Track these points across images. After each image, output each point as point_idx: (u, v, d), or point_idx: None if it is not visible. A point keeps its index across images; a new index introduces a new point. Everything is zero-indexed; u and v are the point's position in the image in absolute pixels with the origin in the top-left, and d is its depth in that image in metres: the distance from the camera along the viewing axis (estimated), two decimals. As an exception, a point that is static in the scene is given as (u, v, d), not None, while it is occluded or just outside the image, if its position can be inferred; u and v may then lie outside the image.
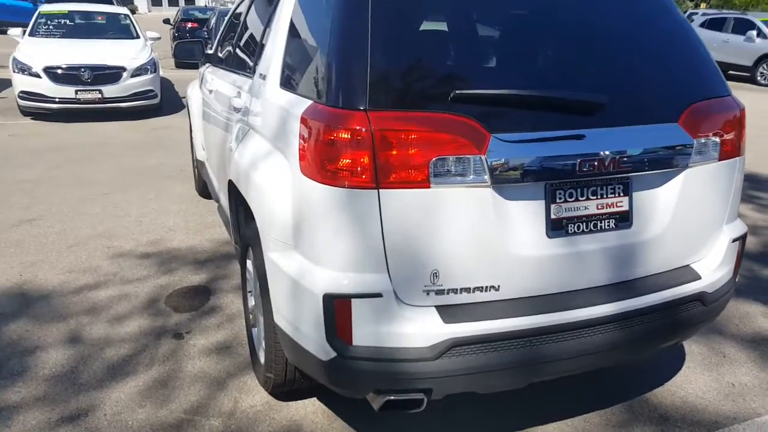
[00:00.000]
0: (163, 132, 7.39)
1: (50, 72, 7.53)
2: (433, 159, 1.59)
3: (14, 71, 7.63)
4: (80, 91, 7.60)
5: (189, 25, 14.44)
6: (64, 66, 7.57)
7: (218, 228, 4.21)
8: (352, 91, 1.62)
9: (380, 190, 1.59)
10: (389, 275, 1.64)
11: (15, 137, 6.94)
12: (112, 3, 16.10)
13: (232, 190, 2.51)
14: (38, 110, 7.67)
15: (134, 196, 4.92)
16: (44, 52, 7.81)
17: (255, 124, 2.22)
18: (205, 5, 16.05)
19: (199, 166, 4.53)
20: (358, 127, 1.58)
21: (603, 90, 1.77)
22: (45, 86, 7.51)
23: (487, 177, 1.62)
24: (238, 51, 2.98)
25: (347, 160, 1.59)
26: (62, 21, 8.95)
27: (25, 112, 7.86)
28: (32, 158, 6.05)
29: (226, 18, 3.82)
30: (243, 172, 2.18)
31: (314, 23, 1.94)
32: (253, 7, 2.99)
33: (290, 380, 2.19)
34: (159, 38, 9.67)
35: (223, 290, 3.30)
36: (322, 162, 1.64)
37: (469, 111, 1.62)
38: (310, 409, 2.31)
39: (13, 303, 3.12)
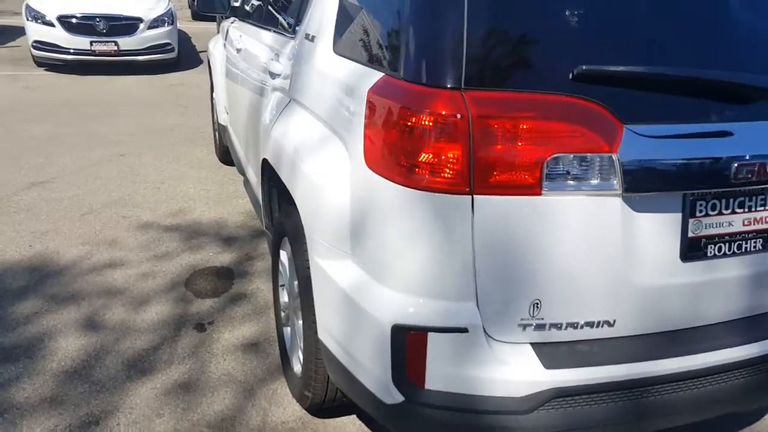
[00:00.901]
0: (180, 89, 6.94)
1: (64, 21, 7.06)
2: (549, 157, 1.18)
3: (27, 19, 7.17)
4: (95, 42, 7.14)
5: (208, -25, 13.69)
6: (78, 15, 7.09)
7: (241, 200, 3.84)
8: (441, 61, 1.20)
9: (475, 196, 1.19)
10: (478, 304, 1.25)
11: (29, 89, 6.54)
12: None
13: (267, 169, 2.12)
14: (52, 61, 7.24)
15: (151, 159, 4.54)
16: (58, -1, 7.33)
17: (300, 96, 1.80)
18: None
19: (220, 131, 4.12)
20: (448, 112, 1.17)
21: (760, 71, 1.33)
22: (59, 36, 7.05)
23: (616, 182, 1.21)
24: (272, 5, 2.53)
25: (432, 155, 1.19)
26: (77, -34, 8.39)
27: (39, 63, 7.43)
28: (46, 113, 5.66)
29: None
30: (285, 155, 1.78)
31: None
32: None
33: (331, 399, 1.85)
34: (177, -12, 9.11)
35: (248, 274, 2.95)
36: (397, 155, 1.23)
37: (597, 94, 1.20)
38: (351, 429, 1.98)
39: (22, 277, 2.80)
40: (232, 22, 3.60)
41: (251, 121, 2.57)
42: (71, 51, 7.12)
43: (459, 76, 1.18)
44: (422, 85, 1.21)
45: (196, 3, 3.37)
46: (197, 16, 13.40)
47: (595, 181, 1.20)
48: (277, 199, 2.18)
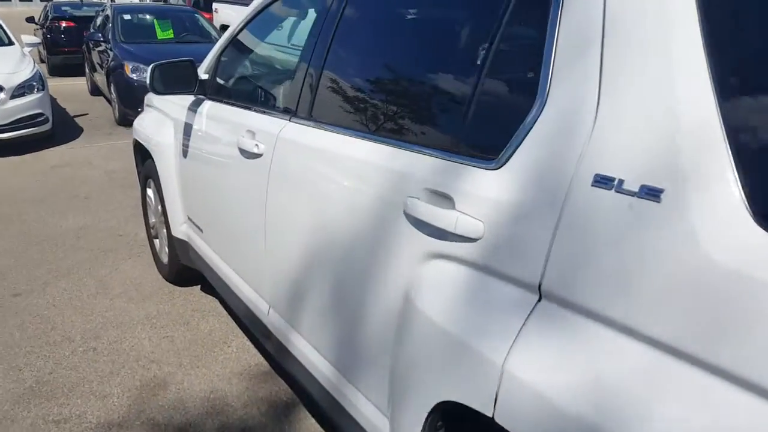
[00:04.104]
0: (66, 171, 5.33)
1: None
2: None
3: None
4: (-62, 121, 5.29)
5: (63, 24, 11.52)
6: None
7: (227, 346, 2.61)
8: None
9: None
10: None
11: None
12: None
13: (452, 419, 1.06)
14: None
15: (65, 293, 3.09)
16: None
17: (614, 313, 0.79)
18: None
19: (176, 246, 2.87)
20: None
21: None
22: None
23: None
24: (340, 92, 1.48)
25: None
26: None
27: None
28: None
29: (250, 17, 2.22)
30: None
31: None
32: None
33: None
34: (39, 43, 7.36)
35: None
36: None
37: None
38: None
39: None
40: (196, 103, 2.43)
41: (333, 291, 1.46)
42: None
43: None
44: None
45: (152, 83, 2.17)
46: (56, 72, 11.22)
47: None
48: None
